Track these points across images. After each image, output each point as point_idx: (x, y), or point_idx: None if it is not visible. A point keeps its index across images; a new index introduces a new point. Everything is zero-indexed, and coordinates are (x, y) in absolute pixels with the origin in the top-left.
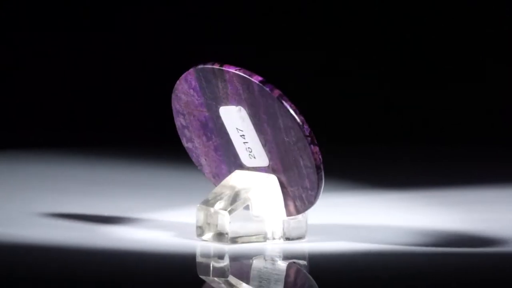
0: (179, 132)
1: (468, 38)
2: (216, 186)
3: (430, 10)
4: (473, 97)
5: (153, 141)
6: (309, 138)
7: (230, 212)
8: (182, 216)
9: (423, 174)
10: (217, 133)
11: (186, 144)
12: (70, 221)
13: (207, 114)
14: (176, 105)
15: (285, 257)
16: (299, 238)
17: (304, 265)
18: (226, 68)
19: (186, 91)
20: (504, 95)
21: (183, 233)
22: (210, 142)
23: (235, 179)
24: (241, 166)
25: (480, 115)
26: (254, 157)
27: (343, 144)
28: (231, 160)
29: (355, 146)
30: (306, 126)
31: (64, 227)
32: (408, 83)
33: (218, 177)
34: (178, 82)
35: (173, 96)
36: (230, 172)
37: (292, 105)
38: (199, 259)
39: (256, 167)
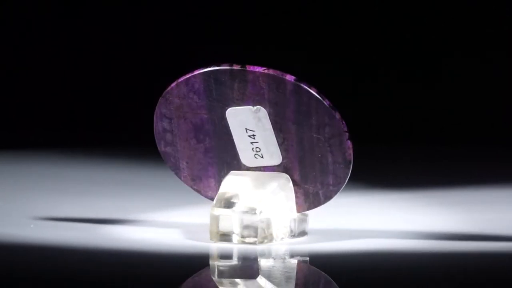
0: (158, 136)
1: (468, 38)
2: (194, 189)
3: (430, 10)
4: (473, 97)
5: (153, 141)
6: (347, 134)
7: (260, 212)
8: (183, 216)
9: (423, 174)
10: (214, 135)
11: (164, 149)
12: (70, 221)
13: (206, 116)
14: (162, 109)
15: (291, 256)
16: (303, 234)
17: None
18: (250, 68)
19: (183, 94)
20: (504, 95)
21: (184, 233)
22: (201, 144)
23: (241, 179)
24: (238, 167)
25: (480, 115)
26: (262, 157)
27: None
28: (225, 162)
29: (355, 146)
30: (343, 122)
31: (64, 227)
32: (408, 83)
33: (200, 179)
34: (173, 86)
35: (161, 100)
36: (219, 174)
37: (330, 102)
38: (234, 261)
39: (260, 166)
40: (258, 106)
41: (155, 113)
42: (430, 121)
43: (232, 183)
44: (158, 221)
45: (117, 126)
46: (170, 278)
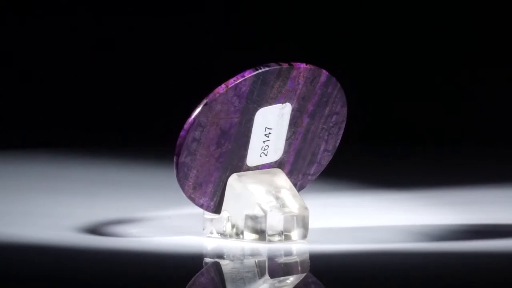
0: (183, 147)
1: (468, 38)
2: (191, 197)
3: (430, 9)
4: (473, 97)
5: (152, 140)
6: (345, 120)
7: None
8: (183, 216)
9: (423, 174)
10: (235, 138)
11: (184, 159)
12: (69, 221)
13: (236, 120)
14: (201, 118)
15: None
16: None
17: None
18: (297, 65)
19: (228, 99)
20: (504, 95)
21: (183, 233)
22: (218, 150)
23: (257, 178)
24: (240, 169)
25: (480, 115)
26: (266, 155)
27: (343, 144)
28: (231, 165)
29: (355, 146)
30: None
31: (64, 227)
32: (408, 83)
33: (200, 186)
34: (222, 91)
35: (203, 108)
36: (220, 178)
37: None
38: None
39: (258, 165)
40: (286, 103)
41: (189, 123)
42: (430, 121)
43: (254, 184)
44: (159, 221)
45: (117, 126)
46: (170, 278)
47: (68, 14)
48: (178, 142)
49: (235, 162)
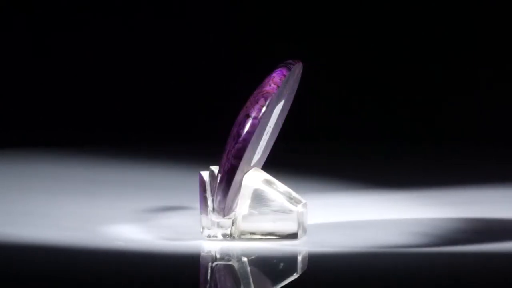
0: (245, 151)
1: (468, 38)
2: (226, 197)
3: (430, 9)
4: (473, 97)
5: (154, 141)
6: None
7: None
8: (182, 216)
9: (423, 174)
10: (259, 138)
11: (240, 163)
12: (70, 221)
13: (266, 119)
14: (262, 119)
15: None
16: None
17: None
18: (300, 62)
19: (273, 99)
20: (504, 95)
21: (183, 233)
22: (252, 151)
23: (260, 179)
24: (247, 169)
25: (480, 115)
26: (258, 154)
27: (343, 144)
28: (244, 166)
29: (355, 146)
30: None
31: (64, 227)
32: (408, 83)
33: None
34: (275, 92)
35: (266, 110)
36: (239, 181)
37: None
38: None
39: (252, 165)
40: (282, 100)
41: (255, 125)
42: (430, 121)
43: (267, 183)
44: (159, 220)
45: (117, 126)
46: (170, 278)
47: (67, 13)
48: (241, 146)
49: (248, 162)
